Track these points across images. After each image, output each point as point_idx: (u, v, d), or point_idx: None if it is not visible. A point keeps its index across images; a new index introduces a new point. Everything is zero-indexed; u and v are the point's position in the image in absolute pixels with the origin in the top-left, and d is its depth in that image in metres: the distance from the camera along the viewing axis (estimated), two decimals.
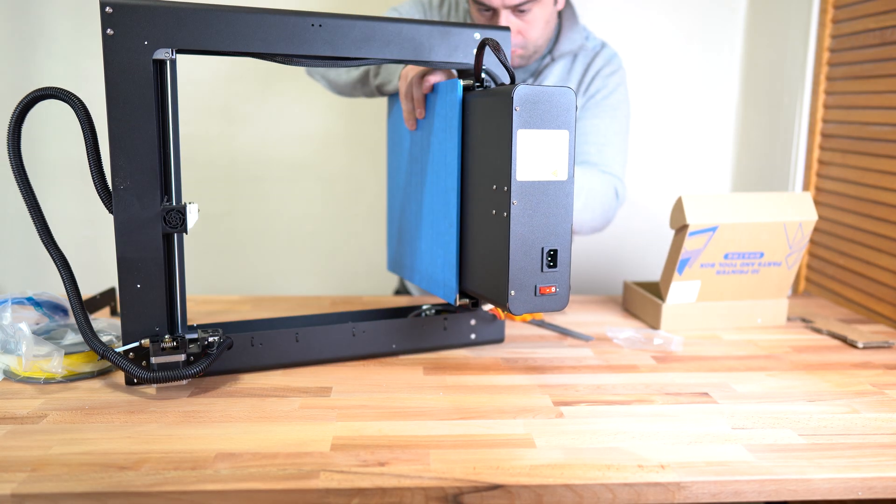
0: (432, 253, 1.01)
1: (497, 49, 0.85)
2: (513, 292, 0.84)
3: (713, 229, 1.10)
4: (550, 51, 1.33)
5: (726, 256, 1.14)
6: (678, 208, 1.12)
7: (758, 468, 0.71)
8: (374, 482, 0.67)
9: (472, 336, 1.06)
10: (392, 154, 1.16)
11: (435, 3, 1.36)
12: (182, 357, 0.86)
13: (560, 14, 1.35)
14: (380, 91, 1.28)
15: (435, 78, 0.99)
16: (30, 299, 0.96)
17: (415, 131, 1.05)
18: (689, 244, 1.11)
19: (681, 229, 1.12)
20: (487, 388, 0.91)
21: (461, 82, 0.91)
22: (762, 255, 1.15)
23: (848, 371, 0.99)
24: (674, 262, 1.13)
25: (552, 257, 0.85)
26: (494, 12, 1.19)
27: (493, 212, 0.86)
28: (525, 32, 1.22)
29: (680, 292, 1.15)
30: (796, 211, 1.15)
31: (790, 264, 1.18)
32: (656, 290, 1.26)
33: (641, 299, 1.22)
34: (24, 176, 0.83)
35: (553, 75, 1.33)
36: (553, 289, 0.85)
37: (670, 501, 0.69)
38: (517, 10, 1.18)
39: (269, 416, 0.80)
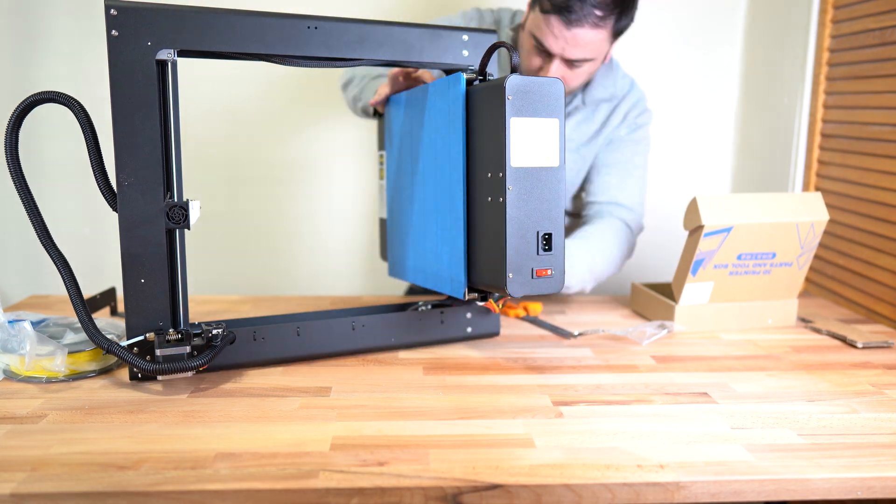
0: (437, 250, 1.01)
1: (512, 50, 0.87)
2: (511, 275, 0.86)
3: (728, 230, 1.10)
4: (582, 92, 1.35)
5: (739, 257, 1.13)
6: (693, 209, 1.11)
7: (757, 468, 0.71)
8: (373, 482, 0.67)
9: (469, 329, 1.07)
10: (388, 159, 1.16)
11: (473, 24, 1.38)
12: (186, 349, 0.87)
13: None
14: (363, 111, 1.30)
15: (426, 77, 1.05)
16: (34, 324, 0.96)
17: (410, 131, 1.06)
18: (704, 245, 1.11)
19: (695, 230, 1.12)
20: (487, 387, 0.91)
21: (464, 76, 0.92)
22: (774, 255, 1.15)
23: (847, 371, 0.99)
24: (688, 263, 1.13)
25: (547, 241, 0.87)
26: (548, 56, 1.20)
27: (489, 199, 0.88)
28: (568, 81, 1.25)
29: (693, 294, 1.15)
30: (808, 211, 1.15)
31: (801, 264, 1.18)
32: (664, 291, 1.26)
33: (652, 301, 1.22)
34: (22, 179, 0.84)
35: (573, 120, 1.35)
36: (549, 271, 0.87)
37: (669, 501, 0.69)
38: (572, 63, 1.21)
39: (269, 416, 0.80)
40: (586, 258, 1.21)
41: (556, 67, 1.21)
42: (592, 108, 1.36)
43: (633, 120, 1.38)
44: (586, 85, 1.34)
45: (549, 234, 0.87)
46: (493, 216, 0.87)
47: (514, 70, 0.86)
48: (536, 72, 1.25)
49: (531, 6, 1.21)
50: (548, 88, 0.85)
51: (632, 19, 1.21)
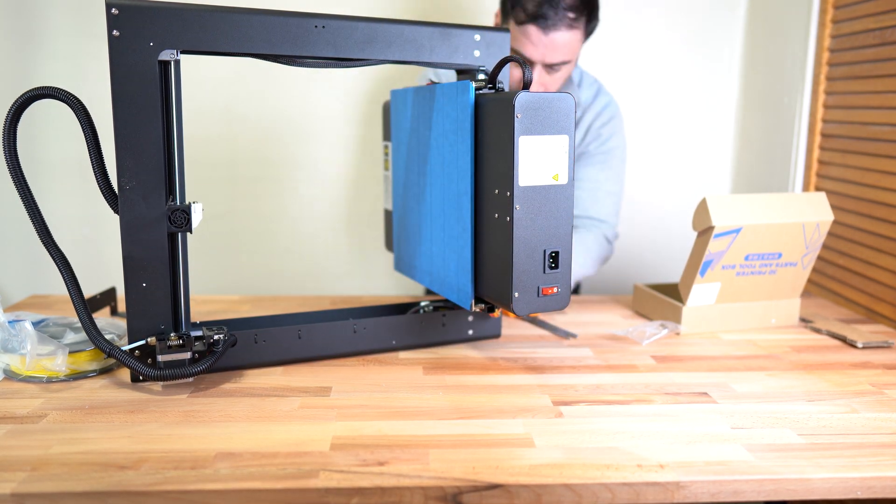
0: (444, 257, 1.01)
1: (525, 65, 0.85)
2: (516, 294, 0.85)
3: (737, 231, 1.10)
4: None
5: (747, 258, 1.13)
6: (702, 210, 1.11)
7: (757, 468, 0.71)
8: (373, 482, 0.67)
9: (470, 332, 1.07)
10: (395, 152, 1.16)
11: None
12: (188, 355, 0.87)
13: None
14: None
15: None
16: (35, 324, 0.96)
17: (417, 129, 1.05)
18: (714, 246, 1.10)
19: (705, 231, 1.11)
20: (487, 387, 0.91)
21: (473, 84, 0.91)
22: (780, 255, 1.15)
23: (847, 371, 0.99)
24: (696, 264, 1.13)
25: (554, 259, 0.86)
26: (530, 64, 1.26)
27: (496, 216, 0.87)
28: (548, 87, 1.31)
29: (700, 294, 1.15)
30: (814, 211, 1.15)
31: (805, 264, 1.18)
32: (668, 292, 1.25)
33: (657, 302, 1.22)
34: (21, 175, 0.83)
35: None
36: (555, 289, 0.87)
37: (669, 501, 0.69)
38: (552, 68, 1.27)
39: (269, 416, 0.80)
40: None
41: (538, 74, 1.27)
42: None
43: (598, 130, 1.41)
44: None
45: (556, 252, 0.86)
46: (500, 234, 0.86)
47: (526, 86, 0.84)
48: (518, 83, 1.29)
49: (503, 22, 1.30)
50: (558, 104, 0.83)
51: (598, 20, 1.30)
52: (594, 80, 1.46)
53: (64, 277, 0.86)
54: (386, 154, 1.21)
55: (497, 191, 0.86)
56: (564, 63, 1.27)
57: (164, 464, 0.69)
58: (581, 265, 1.33)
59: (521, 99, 0.81)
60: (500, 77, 0.94)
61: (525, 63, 0.85)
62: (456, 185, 0.95)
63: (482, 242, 0.91)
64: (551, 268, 0.86)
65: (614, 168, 1.43)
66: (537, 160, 0.83)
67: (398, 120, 1.13)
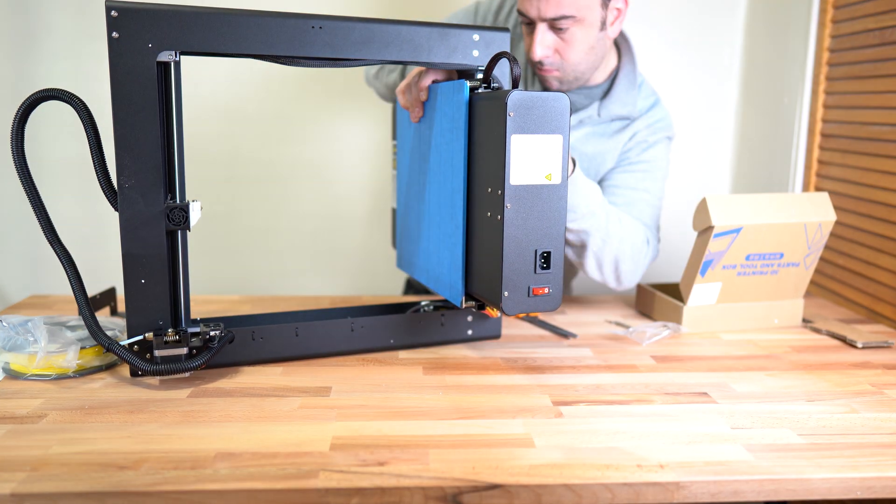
0: (439, 254, 1.02)
1: (514, 62, 0.85)
2: (506, 293, 0.85)
3: (737, 231, 1.10)
4: (599, 103, 1.25)
5: (748, 258, 1.13)
6: (702, 210, 1.11)
7: (757, 468, 0.71)
8: (373, 482, 0.67)
9: (469, 332, 1.07)
10: (400, 150, 1.17)
11: (490, 17, 1.30)
12: (184, 350, 0.88)
13: (617, 69, 1.26)
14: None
15: (428, 79, 0.99)
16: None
17: (420, 129, 1.06)
18: (714, 246, 1.11)
19: (705, 231, 1.11)
20: (487, 387, 0.91)
21: (468, 83, 0.91)
22: (782, 255, 1.15)
23: (847, 371, 0.99)
24: (696, 264, 1.13)
25: (545, 259, 0.86)
26: (533, 25, 1.12)
27: (488, 214, 0.87)
28: (563, 52, 1.14)
29: (701, 294, 1.15)
30: (816, 211, 1.15)
31: (808, 265, 1.18)
32: (670, 292, 1.25)
33: (659, 301, 1.22)
34: (29, 176, 0.85)
35: (584, 130, 1.26)
36: (546, 290, 0.86)
37: (669, 501, 0.69)
38: (555, 26, 1.11)
39: (269, 416, 0.80)
40: (599, 200, 1.11)
41: (540, 35, 1.11)
42: (607, 124, 1.26)
43: (644, 138, 1.26)
44: (604, 97, 1.25)
45: (548, 253, 0.86)
46: (492, 232, 0.86)
47: (515, 82, 0.84)
48: (528, 51, 1.15)
49: None
50: (552, 104, 0.82)
51: None
52: (653, 92, 1.30)
53: (67, 274, 0.87)
54: (394, 153, 1.21)
55: (490, 189, 0.86)
56: (567, 19, 1.08)
57: (164, 464, 0.69)
58: (621, 256, 1.16)
59: (514, 97, 0.81)
60: (498, 76, 0.94)
61: (514, 60, 0.85)
62: (451, 182, 0.96)
63: (474, 240, 0.92)
64: (543, 268, 0.86)
65: (653, 180, 1.25)
66: (530, 159, 0.83)
67: (403, 119, 1.13)
